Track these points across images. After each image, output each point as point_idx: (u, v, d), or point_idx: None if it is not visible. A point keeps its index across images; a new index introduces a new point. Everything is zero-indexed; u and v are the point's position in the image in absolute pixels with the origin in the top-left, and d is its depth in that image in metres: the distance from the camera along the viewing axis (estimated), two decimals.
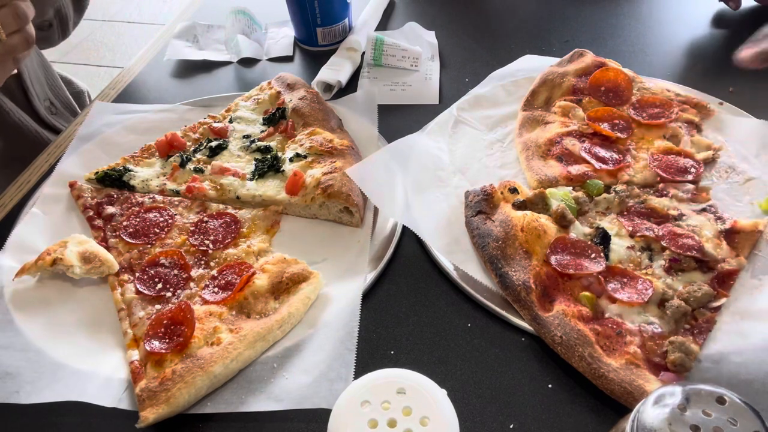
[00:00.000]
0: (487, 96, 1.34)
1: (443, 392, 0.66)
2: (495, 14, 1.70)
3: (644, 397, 0.60)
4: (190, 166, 1.21)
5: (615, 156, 1.14)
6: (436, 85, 1.45)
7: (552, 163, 1.14)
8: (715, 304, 0.90)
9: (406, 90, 1.44)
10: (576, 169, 1.11)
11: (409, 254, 1.06)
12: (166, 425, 0.83)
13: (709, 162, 1.14)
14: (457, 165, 1.19)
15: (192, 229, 1.09)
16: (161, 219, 1.11)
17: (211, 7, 1.84)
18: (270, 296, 0.95)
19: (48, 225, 1.13)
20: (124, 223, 1.10)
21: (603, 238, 0.98)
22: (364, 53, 1.52)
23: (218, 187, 1.16)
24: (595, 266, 0.93)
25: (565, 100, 1.27)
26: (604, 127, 1.18)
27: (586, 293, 0.91)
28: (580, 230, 1.00)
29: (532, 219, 0.99)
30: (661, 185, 1.09)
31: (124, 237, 1.08)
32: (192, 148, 1.25)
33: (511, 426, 0.81)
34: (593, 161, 1.12)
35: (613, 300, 0.90)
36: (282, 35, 1.66)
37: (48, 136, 1.50)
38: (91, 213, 1.14)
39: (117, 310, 0.97)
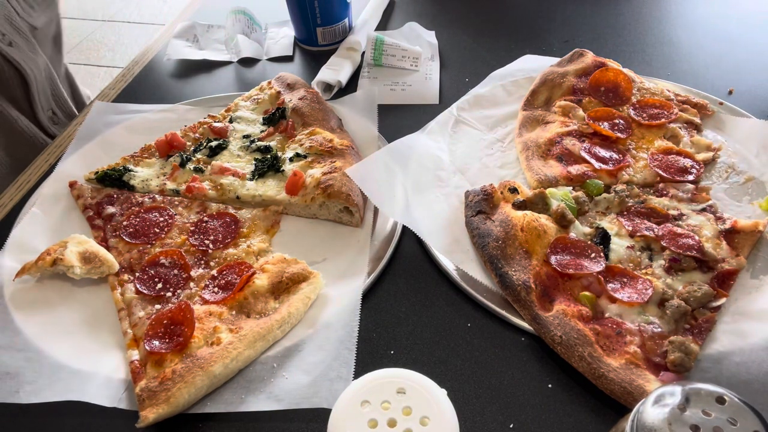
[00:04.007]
0: (487, 96, 1.34)
1: (443, 392, 0.66)
2: (495, 14, 1.70)
3: (644, 397, 0.60)
4: (190, 166, 1.21)
5: (615, 156, 1.14)
6: (436, 85, 1.45)
7: (552, 163, 1.14)
8: (715, 304, 0.90)
9: (406, 90, 1.44)
10: (576, 169, 1.11)
11: (409, 254, 1.06)
12: (166, 425, 0.83)
13: (709, 162, 1.14)
14: (457, 165, 1.19)
15: (192, 229, 1.09)
16: (161, 219, 1.11)
17: (211, 7, 1.84)
18: (270, 296, 0.95)
19: (48, 225, 1.13)
20: (124, 223, 1.10)
21: (603, 238, 0.98)
22: (364, 53, 1.52)
23: (218, 187, 1.16)
24: (595, 266, 0.93)
25: (565, 100, 1.27)
26: (604, 127, 1.18)
27: (586, 293, 0.91)
28: (580, 230, 1.00)
29: (532, 219, 0.99)
30: (661, 185, 1.09)
31: (124, 237, 1.08)
32: (192, 148, 1.25)
33: (511, 426, 0.81)
34: (593, 161, 1.12)
35: (613, 300, 0.90)
36: (282, 35, 1.66)
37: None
38: (91, 213, 1.14)
39: (117, 310, 0.97)
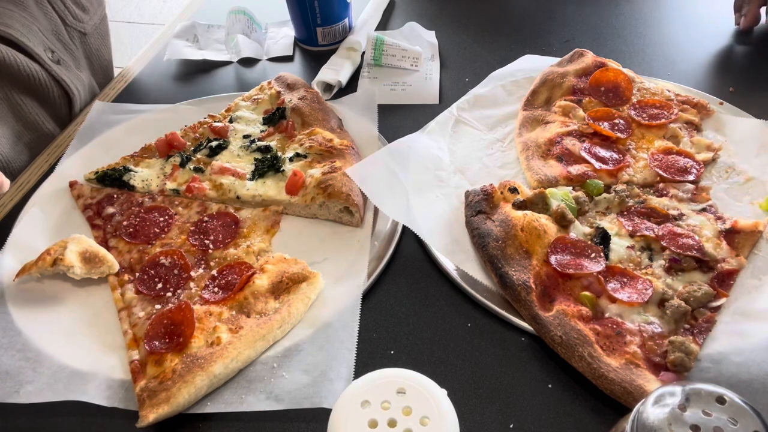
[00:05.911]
0: (487, 96, 1.34)
1: (443, 392, 0.66)
2: (495, 14, 1.70)
3: (644, 397, 0.60)
4: (190, 165, 1.21)
5: (615, 156, 1.14)
6: (436, 85, 1.45)
7: (552, 163, 1.14)
8: (715, 304, 0.90)
9: (406, 90, 1.44)
10: (576, 169, 1.11)
11: (409, 254, 1.06)
12: (166, 425, 0.83)
13: (709, 162, 1.14)
14: (457, 165, 1.19)
15: (192, 229, 1.09)
16: (161, 219, 1.11)
17: (211, 7, 1.84)
18: (270, 296, 0.95)
19: (48, 225, 1.13)
20: (124, 223, 1.10)
21: (603, 238, 0.98)
22: (364, 53, 1.52)
23: (218, 187, 1.16)
24: (595, 266, 0.93)
25: (565, 100, 1.27)
26: (604, 127, 1.18)
27: (586, 293, 0.91)
28: (580, 230, 1.00)
29: (532, 219, 0.99)
30: (661, 185, 1.09)
31: (124, 237, 1.08)
32: (192, 148, 1.25)
33: (511, 426, 0.81)
34: (593, 161, 1.12)
35: (613, 300, 0.90)
36: (282, 35, 1.66)
37: None
38: (91, 213, 1.15)
39: (117, 310, 0.97)
